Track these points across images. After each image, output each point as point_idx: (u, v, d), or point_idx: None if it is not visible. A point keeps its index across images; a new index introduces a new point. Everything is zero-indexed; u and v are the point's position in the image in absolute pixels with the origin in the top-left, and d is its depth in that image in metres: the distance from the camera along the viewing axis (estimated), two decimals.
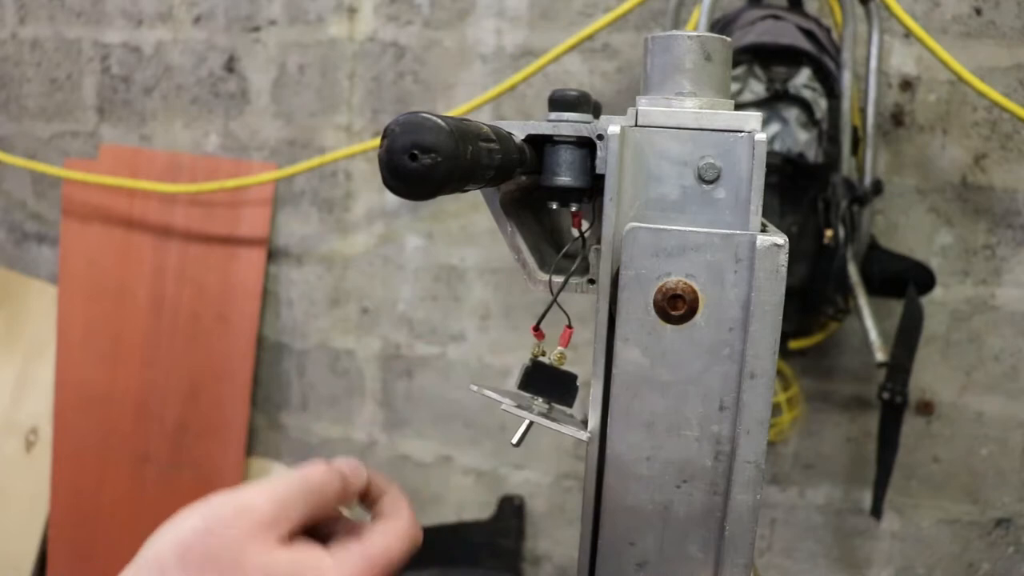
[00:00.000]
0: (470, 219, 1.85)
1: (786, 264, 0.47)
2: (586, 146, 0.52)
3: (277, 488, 0.45)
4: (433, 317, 1.90)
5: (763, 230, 0.50)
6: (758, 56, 1.40)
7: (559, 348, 0.57)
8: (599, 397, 0.52)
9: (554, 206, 0.55)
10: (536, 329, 0.57)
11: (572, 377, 0.57)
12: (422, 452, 1.95)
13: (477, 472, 1.92)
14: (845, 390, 1.70)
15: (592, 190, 0.53)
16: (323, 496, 0.46)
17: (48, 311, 2.12)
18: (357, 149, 1.83)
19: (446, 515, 1.93)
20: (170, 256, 2.03)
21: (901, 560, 1.70)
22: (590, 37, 1.58)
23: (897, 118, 1.60)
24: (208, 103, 2.00)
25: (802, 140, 1.41)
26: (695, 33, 0.53)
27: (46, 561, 2.03)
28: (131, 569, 0.43)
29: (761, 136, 0.49)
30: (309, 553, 0.44)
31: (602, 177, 0.51)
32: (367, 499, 0.51)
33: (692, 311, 0.49)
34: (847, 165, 1.45)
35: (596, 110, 0.56)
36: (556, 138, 0.52)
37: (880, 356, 1.42)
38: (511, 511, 1.88)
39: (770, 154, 1.35)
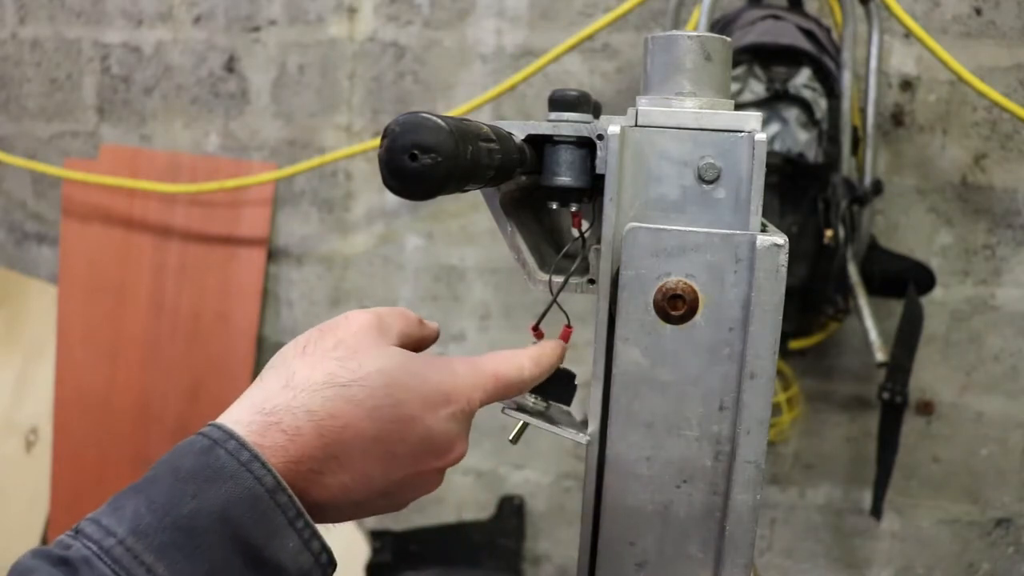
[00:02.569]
0: (470, 219, 1.85)
1: (786, 264, 0.47)
2: (586, 146, 0.52)
3: (375, 308, 0.51)
4: (433, 317, 1.89)
5: (763, 230, 0.50)
6: (758, 56, 1.40)
7: None
8: (599, 397, 0.52)
9: (554, 206, 0.54)
10: (536, 329, 0.57)
11: (571, 375, 0.57)
12: None
13: (477, 472, 1.92)
14: (845, 390, 1.70)
15: (592, 190, 0.53)
16: (414, 321, 0.53)
17: (48, 311, 2.12)
18: (357, 149, 1.83)
19: (446, 515, 1.93)
20: (170, 256, 2.02)
21: (901, 560, 1.70)
22: (590, 37, 1.58)
23: (897, 118, 1.60)
24: (208, 103, 2.00)
25: (802, 140, 1.41)
26: (695, 33, 0.53)
27: None
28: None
29: (761, 136, 0.49)
30: (421, 353, 0.50)
31: (602, 177, 0.51)
32: None
33: (692, 311, 0.49)
34: (847, 165, 1.45)
35: (596, 110, 0.56)
36: (556, 138, 0.52)
37: (880, 356, 1.42)
38: (511, 511, 1.88)
39: (770, 154, 1.35)
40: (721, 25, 1.49)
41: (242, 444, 0.42)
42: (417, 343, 0.53)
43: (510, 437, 0.56)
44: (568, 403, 0.57)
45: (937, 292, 1.57)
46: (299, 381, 0.45)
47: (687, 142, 0.50)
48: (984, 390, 1.63)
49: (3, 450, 2.12)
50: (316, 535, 0.44)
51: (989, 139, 1.57)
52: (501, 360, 0.52)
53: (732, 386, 0.49)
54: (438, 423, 0.48)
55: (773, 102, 1.41)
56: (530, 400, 0.56)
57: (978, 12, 1.55)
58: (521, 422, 0.55)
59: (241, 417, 0.44)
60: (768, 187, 0.52)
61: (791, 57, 1.41)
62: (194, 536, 0.40)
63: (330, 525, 0.48)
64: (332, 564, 0.45)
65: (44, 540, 2.04)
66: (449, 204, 1.85)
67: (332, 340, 0.48)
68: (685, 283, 0.48)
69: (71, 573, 0.38)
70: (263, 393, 0.45)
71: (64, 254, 2.09)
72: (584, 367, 0.53)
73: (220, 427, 0.43)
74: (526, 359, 0.53)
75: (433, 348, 0.56)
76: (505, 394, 0.52)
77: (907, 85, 1.60)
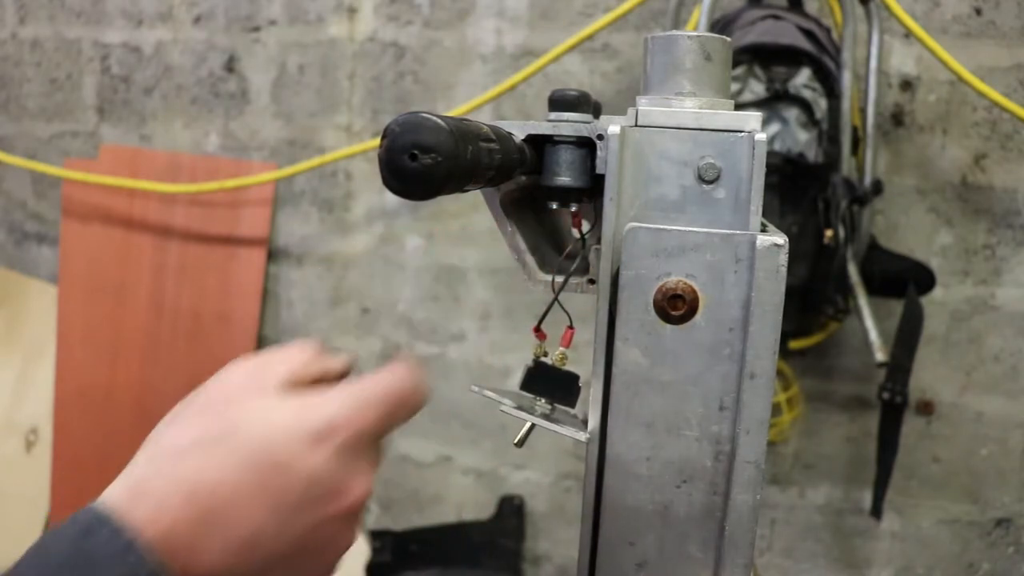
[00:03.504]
0: (470, 219, 1.85)
1: (786, 264, 0.47)
2: (586, 146, 0.52)
3: (265, 353, 0.49)
4: (433, 317, 1.90)
5: (763, 230, 0.50)
6: (758, 56, 1.40)
7: (561, 349, 0.57)
8: (599, 397, 0.52)
9: (554, 206, 0.54)
10: (538, 330, 0.57)
11: (574, 377, 0.56)
12: (422, 452, 1.95)
13: (477, 472, 1.92)
14: (845, 390, 1.70)
15: (592, 190, 0.53)
16: (310, 358, 0.49)
17: (48, 311, 2.12)
18: (357, 149, 1.83)
19: (446, 515, 1.93)
20: (170, 256, 2.02)
21: (901, 560, 1.70)
22: (590, 37, 1.58)
23: (897, 118, 1.60)
24: (208, 103, 2.00)
25: (802, 140, 1.41)
26: (695, 33, 0.53)
27: None
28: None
29: (761, 136, 0.49)
30: (305, 394, 0.46)
31: (602, 177, 0.51)
32: None
33: (692, 311, 0.49)
34: (847, 165, 1.45)
35: (596, 110, 0.56)
36: (556, 138, 0.52)
37: (880, 356, 1.42)
38: (511, 511, 1.88)
39: (770, 154, 1.35)
40: (721, 25, 1.49)
41: (116, 531, 0.39)
42: (316, 379, 0.48)
43: (515, 440, 0.56)
44: (572, 405, 0.57)
45: (937, 292, 1.57)
46: (165, 448, 0.44)
47: (687, 142, 0.50)
48: (984, 390, 1.63)
49: (3, 450, 2.12)
50: None
51: (989, 139, 1.57)
52: (380, 377, 0.47)
53: (732, 386, 0.49)
54: (322, 462, 0.43)
55: (773, 102, 1.41)
56: (535, 403, 0.56)
57: (978, 12, 1.55)
58: (527, 425, 0.55)
59: (113, 496, 0.42)
60: (768, 187, 0.52)
61: (791, 57, 1.41)
62: None
63: None
64: None
65: None
66: (449, 204, 1.85)
67: (203, 400, 0.46)
68: (685, 283, 0.48)
69: None
70: (133, 468, 0.44)
71: (64, 254, 2.09)
72: (585, 367, 0.53)
73: (94, 511, 0.40)
74: (399, 370, 0.48)
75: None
76: (397, 413, 0.47)
77: (907, 85, 1.60)
